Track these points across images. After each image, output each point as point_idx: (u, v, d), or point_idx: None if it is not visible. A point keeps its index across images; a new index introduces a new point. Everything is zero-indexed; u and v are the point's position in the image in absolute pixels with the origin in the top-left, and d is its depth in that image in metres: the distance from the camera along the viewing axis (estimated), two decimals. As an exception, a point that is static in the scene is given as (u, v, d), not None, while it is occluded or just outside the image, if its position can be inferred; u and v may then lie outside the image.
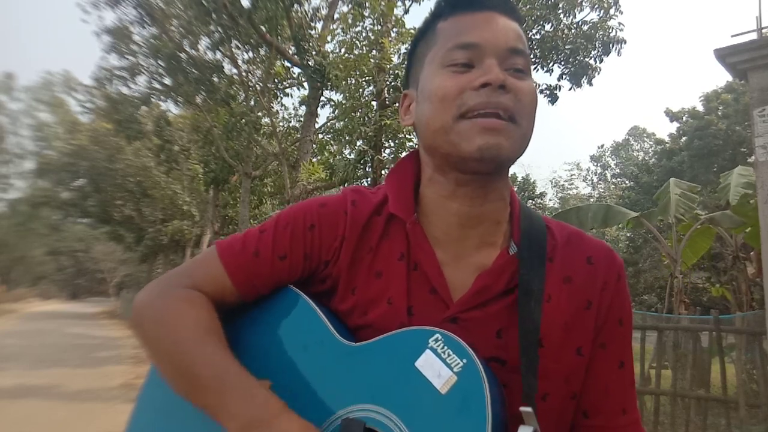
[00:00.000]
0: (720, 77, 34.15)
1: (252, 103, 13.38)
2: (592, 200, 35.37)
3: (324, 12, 13.03)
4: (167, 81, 14.14)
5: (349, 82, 9.66)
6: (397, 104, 8.94)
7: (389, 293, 0.76)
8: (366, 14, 9.57)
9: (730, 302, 9.30)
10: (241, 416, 0.67)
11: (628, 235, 19.43)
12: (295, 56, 11.38)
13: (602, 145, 43.73)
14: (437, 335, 0.67)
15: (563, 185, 40.64)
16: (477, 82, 0.70)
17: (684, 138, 21.02)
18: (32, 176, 36.03)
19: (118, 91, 15.67)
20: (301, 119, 13.83)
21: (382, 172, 9.16)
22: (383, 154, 9.57)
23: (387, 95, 9.26)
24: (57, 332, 17.33)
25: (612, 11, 9.68)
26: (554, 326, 0.74)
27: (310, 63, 10.80)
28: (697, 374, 5.36)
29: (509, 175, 0.83)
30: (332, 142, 12.67)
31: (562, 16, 9.69)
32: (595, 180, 40.70)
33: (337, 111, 11.59)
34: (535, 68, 10.01)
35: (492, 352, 0.72)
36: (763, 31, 4.48)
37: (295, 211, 0.82)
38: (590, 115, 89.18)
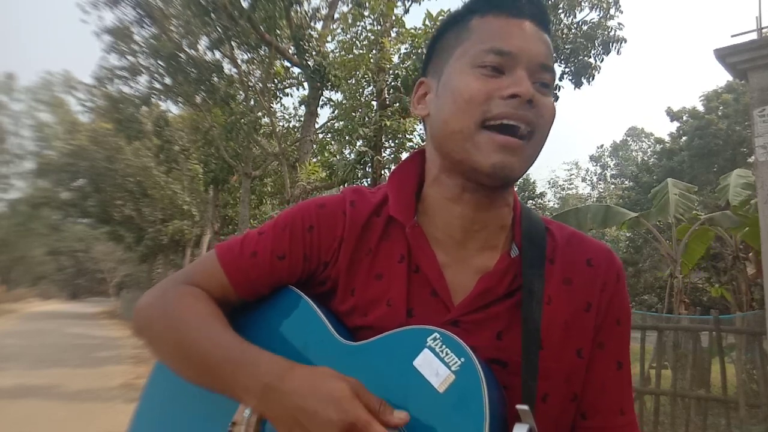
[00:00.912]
0: (720, 77, 34.16)
1: (252, 103, 13.39)
2: (591, 200, 35.40)
3: (324, 12, 13.05)
4: (167, 81, 14.15)
5: (349, 82, 9.66)
6: (397, 104, 8.97)
7: (389, 295, 0.76)
8: (366, 14, 9.56)
9: (730, 302, 9.30)
10: (254, 387, 0.67)
11: (628, 235, 19.39)
12: (295, 56, 11.36)
13: (602, 146, 43.84)
14: (435, 334, 0.66)
15: (563, 185, 40.70)
16: (507, 91, 0.70)
17: (684, 138, 21.01)
18: (32, 176, 36.11)
19: (119, 90, 15.70)
20: (301, 119, 13.83)
21: (382, 172, 9.15)
22: (383, 155, 9.54)
23: (387, 95, 9.24)
24: (57, 332, 17.33)
25: (612, 11, 9.67)
26: (554, 327, 0.74)
27: (309, 63, 10.79)
28: (697, 374, 5.36)
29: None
30: (332, 142, 12.65)
31: (562, 16, 9.68)
32: (595, 180, 40.75)
33: (337, 111, 11.59)
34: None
35: (493, 354, 0.72)
36: (763, 31, 4.49)
37: (293, 212, 0.82)
38: (590, 115, 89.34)
